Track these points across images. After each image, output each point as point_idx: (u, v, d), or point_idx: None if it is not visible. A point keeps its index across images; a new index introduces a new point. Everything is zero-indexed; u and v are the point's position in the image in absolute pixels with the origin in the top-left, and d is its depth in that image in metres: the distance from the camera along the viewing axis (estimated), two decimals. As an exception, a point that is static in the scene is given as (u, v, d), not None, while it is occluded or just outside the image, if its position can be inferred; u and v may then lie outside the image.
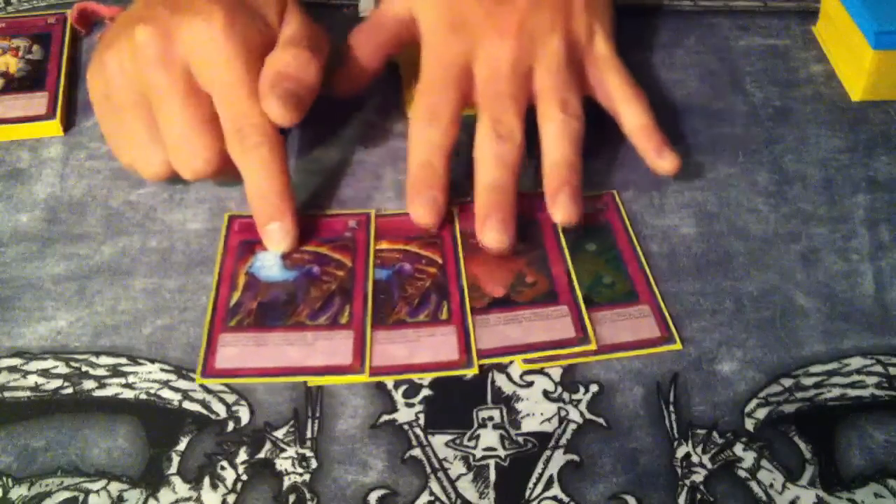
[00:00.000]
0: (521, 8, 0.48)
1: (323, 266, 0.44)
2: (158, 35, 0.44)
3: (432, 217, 0.45)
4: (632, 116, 0.48)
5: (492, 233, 0.43)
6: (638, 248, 0.45)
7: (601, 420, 0.39)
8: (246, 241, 0.45)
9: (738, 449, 0.38)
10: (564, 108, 0.46)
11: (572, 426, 0.39)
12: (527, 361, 0.41)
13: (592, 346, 0.41)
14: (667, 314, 0.42)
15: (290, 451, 0.38)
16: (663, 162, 0.47)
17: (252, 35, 0.45)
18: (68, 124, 0.52)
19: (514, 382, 0.40)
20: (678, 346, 0.41)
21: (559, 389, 0.40)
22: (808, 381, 0.40)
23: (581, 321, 0.42)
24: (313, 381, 0.40)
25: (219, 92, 0.44)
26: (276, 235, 0.44)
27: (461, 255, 0.44)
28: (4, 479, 0.37)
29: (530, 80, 0.47)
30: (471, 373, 0.40)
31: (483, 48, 0.47)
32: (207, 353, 0.41)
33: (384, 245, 0.45)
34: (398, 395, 0.40)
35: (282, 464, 0.38)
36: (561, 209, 0.44)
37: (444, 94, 0.47)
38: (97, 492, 0.37)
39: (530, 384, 0.40)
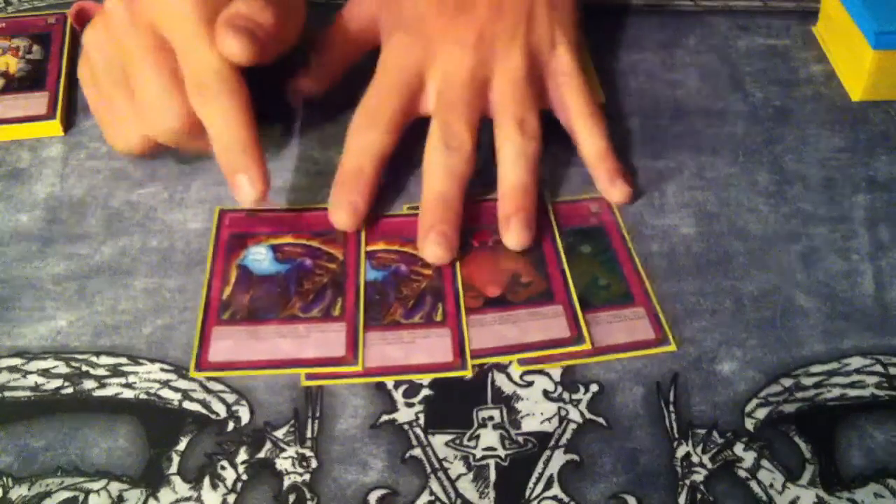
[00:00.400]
0: (482, 17, 0.47)
1: (315, 259, 0.44)
2: (125, 1, 0.44)
3: (351, 222, 0.45)
4: (588, 140, 0.48)
5: (432, 246, 0.43)
6: (633, 250, 0.45)
7: (601, 420, 0.39)
8: (237, 234, 0.45)
9: (738, 449, 0.38)
10: (522, 128, 0.46)
11: (572, 426, 0.39)
12: (522, 362, 0.41)
13: (587, 346, 0.41)
14: (661, 316, 0.42)
15: (290, 451, 0.38)
16: (614, 190, 0.47)
17: None
18: (68, 124, 0.52)
19: (514, 382, 0.40)
20: (672, 347, 0.41)
21: (559, 389, 0.40)
22: (808, 381, 0.40)
23: (576, 320, 0.42)
24: (307, 373, 0.40)
25: (179, 45, 0.43)
26: (245, 188, 0.43)
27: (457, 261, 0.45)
28: (4, 479, 0.37)
29: (487, 91, 0.47)
30: (465, 375, 0.40)
31: (440, 56, 0.47)
32: (201, 347, 0.41)
33: (381, 246, 0.45)
34: (398, 395, 0.40)
35: (282, 464, 0.38)
36: (513, 235, 0.44)
37: (388, 100, 0.46)
38: (97, 492, 0.37)
39: (530, 384, 0.40)
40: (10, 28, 0.56)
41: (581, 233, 0.46)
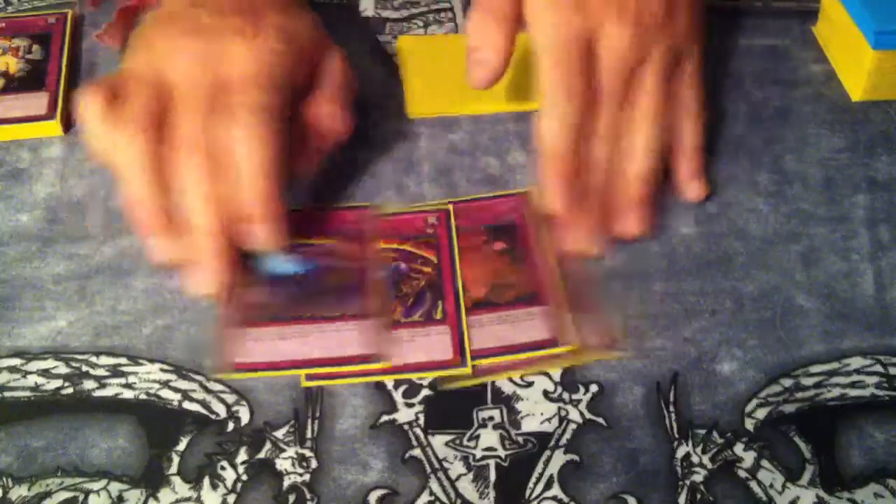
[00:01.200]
0: None
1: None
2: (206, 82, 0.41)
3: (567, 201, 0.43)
4: (689, 133, 0.47)
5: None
6: (547, 249, 0.45)
7: (601, 420, 0.39)
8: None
9: (738, 449, 0.38)
10: (658, 121, 0.45)
11: (572, 426, 0.39)
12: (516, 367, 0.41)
13: (573, 347, 0.41)
14: (564, 317, 0.42)
15: (290, 451, 0.38)
16: (692, 186, 0.47)
17: (287, 96, 0.42)
18: (68, 124, 0.52)
19: (514, 382, 0.40)
20: (568, 349, 0.41)
21: (559, 389, 0.40)
22: (808, 381, 0.40)
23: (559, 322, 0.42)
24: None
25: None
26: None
27: (456, 254, 0.44)
28: (4, 479, 0.37)
29: (637, 75, 0.45)
30: (464, 373, 0.40)
31: (604, 30, 0.44)
32: (224, 346, 0.41)
33: (380, 244, 0.45)
34: (398, 395, 0.40)
35: (282, 464, 0.38)
36: (630, 224, 0.45)
37: (577, 69, 0.43)
38: (97, 492, 0.37)
39: (530, 384, 0.40)
40: (10, 28, 0.56)
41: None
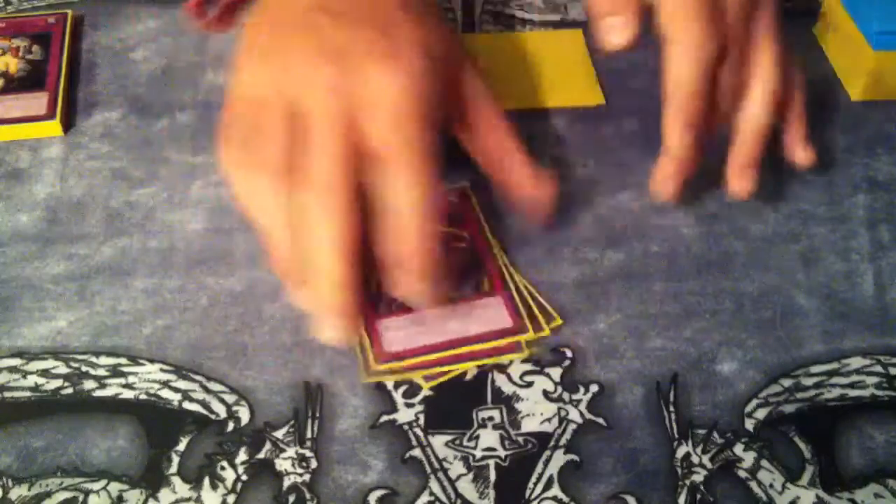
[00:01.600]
0: None
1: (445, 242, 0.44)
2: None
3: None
4: (753, 113, 0.43)
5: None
6: (491, 240, 0.45)
7: (601, 420, 0.39)
8: None
9: (738, 449, 0.38)
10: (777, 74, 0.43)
11: (572, 426, 0.39)
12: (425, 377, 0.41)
13: (531, 335, 0.41)
14: (520, 304, 0.42)
15: (290, 452, 0.38)
16: (799, 152, 0.45)
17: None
18: (68, 124, 0.52)
19: (514, 382, 0.40)
20: (530, 335, 0.41)
21: (559, 389, 0.40)
22: (808, 382, 0.40)
23: (517, 310, 0.42)
24: (479, 351, 0.41)
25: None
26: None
27: (486, 227, 0.45)
28: (4, 479, 0.37)
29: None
30: (526, 339, 0.41)
31: None
32: (372, 341, 0.41)
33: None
34: (398, 395, 0.40)
35: (282, 464, 0.38)
36: (745, 182, 0.44)
37: (709, 14, 0.41)
38: (97, 492, 0.37)
39: (530, 384, 0.40)
40: (10, 28, 0.56)
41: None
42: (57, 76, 0.53)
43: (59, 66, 0.53)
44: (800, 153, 0.46)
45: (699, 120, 0.42)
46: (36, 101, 0.52)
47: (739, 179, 0.44)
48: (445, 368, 0.40)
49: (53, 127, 0.51)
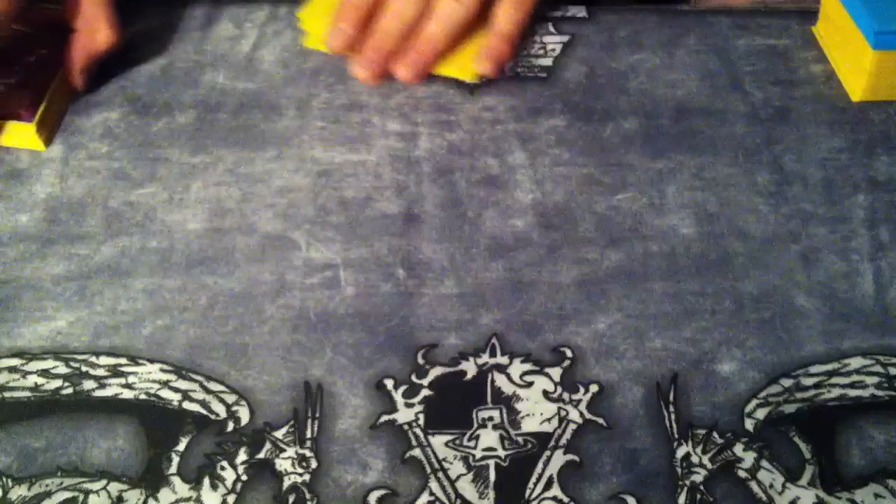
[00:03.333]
0: None
1: None
2: None
3: (340, 45, 0.52)
4: (500, 19, 0.53)
5: (357, 69, 0.53)
6: None
7: (601, 420, 0.39)
8: None
9: (738, 449, 0.38)
10: None
11: (572, 426, 0.39)
12: None
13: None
14: None
15: (290, 452, 0.38)
16: (478, 64, 0.53)
17: None
18: (52, 128, 0.51)
19: (514, 383, 0.40)
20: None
21: (559, 389, 0.40)
22: (808, 382, 0.40)
23: None
24: None
25: None
26: None
27: None
28: (4, 479, 0.37)
29: None
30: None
31: None
32: None
33: None
34: (398, 395, 0.40)
35: (282, 464, 0.38)
36: (401, 67, 0.52)
37: None
38: (97, 492, 0.37)
39: (530, 384, 0.40)
40: (33, 19, 0.55)
41: None
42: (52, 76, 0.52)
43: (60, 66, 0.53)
44: (478, 64, 0.53)
45: (352, 18, 0.53)
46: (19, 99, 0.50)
47: (400, 65, 0.52)
48: None
49: (28, 129, 0.49)
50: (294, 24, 0.57)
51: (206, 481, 0.37)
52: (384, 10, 0.52)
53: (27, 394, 0.40)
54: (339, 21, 0.52)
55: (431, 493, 0.37)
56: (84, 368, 0.41)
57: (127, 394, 0.40)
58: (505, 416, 0.39)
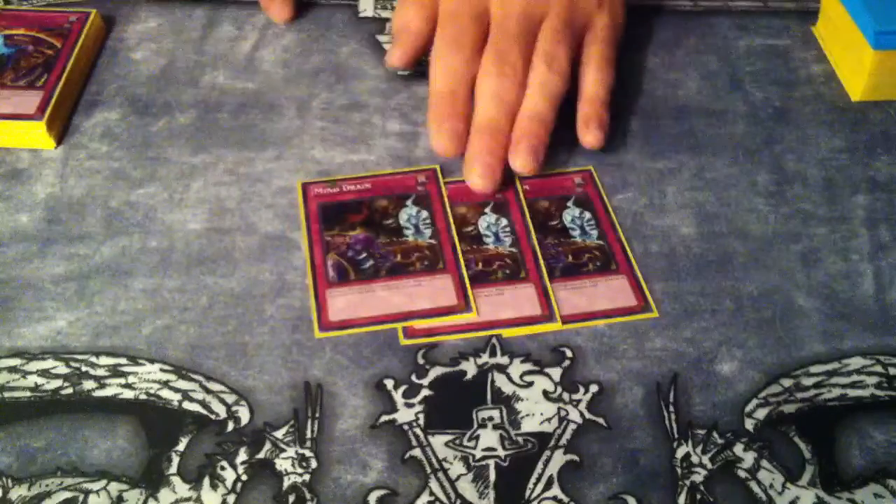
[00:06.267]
0: None
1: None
2: None
3: (455, 147, 0.47)
4: (589, 85, 0.50)
5: (476, 178, 0.46)
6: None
7: (601, 420, 0.39)
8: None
9: (738, 449, 0.38)
10: (550, 64, 0.48)
11: (572, 426, 0.39)
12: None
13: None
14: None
15: (290, 452, 0.38)
16: (587, 134, 0.48)
17: None
18: (63, 127, 0.51)
19: (514, 383, 0.40)
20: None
21: (559, 389, 0.40)
22: (808, 382, 0.40)
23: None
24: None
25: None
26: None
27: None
28: (4, 479, 0.37)
29: (537, 28, 0.49)
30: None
31: None
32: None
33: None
34: (398, 396, 0.40)
35: (282, 464, 0.38)
36: (519, 158, 0.46)
37: (468, 25, 0.48)
38: (97, 492, 0.37)
39: (530, 384, 0.40)
40: (30, 21, 0.55)
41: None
42: (58, 77, 0.52)
43: (64, 66, 0.52)
44: (584, 136, 0.49)
45: (450, 114, 0.48)
46: (28, 100, 0.51)
47: (513, 154, 0.47)
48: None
49: (38, 127, 0.49)
50: (294, 26, 0.57)
51: (206, 481, 0.37)
52: (479, 93, 0.48)
53: (27, 394, 0.40)
54: (441, 120, 0.47)
55: (431, 493, 0.37)
56: (84, 368, 0.41)
57: (127, 394, 0.40)
58: (505, 415, 0.39)
